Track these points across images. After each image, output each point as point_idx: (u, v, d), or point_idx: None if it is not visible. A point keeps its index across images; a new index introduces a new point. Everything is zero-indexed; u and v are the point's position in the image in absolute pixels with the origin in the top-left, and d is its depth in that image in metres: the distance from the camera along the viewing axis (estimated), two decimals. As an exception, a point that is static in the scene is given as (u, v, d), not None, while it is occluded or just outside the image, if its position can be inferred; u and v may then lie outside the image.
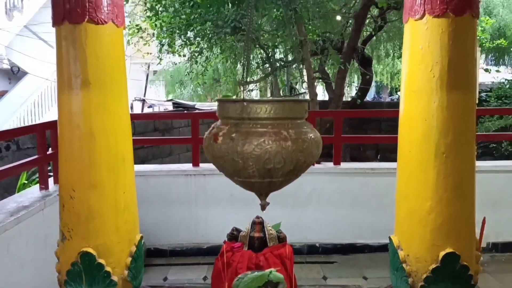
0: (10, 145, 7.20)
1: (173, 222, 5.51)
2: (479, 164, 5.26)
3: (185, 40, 8.29)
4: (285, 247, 2.64)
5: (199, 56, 8.64)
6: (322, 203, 5.48)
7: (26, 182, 6.12)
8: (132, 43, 9.14)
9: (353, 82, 16.35)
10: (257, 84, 15.01)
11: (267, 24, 9.69)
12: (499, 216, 5.29)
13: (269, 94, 17.18)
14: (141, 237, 2.68)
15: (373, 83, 17.49)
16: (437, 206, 2.40)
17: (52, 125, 4.91)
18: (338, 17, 10.03)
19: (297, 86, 15.96)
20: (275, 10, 8.21)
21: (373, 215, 5.34)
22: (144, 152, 9.17)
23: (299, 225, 5.46)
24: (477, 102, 4.63)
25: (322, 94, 17.04)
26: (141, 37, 8.88)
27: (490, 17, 12.42)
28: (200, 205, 5.52)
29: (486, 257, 5.43)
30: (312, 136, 1.62)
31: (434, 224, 2.42)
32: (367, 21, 11.03)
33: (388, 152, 11.73)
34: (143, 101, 13.88)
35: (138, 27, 8.71)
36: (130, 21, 9.33)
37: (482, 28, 11.59)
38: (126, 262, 2.52)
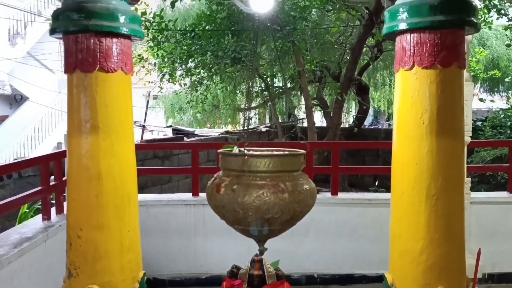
0: (11, 173, 7.28)
1: (173, 252, 5.55)
2: (473, 195, 5.37)
3: (185, 70, 8.49)
4: (283, 285, 2.72)
5: (199, 86, 8.83)
6: (320, 234, 5.52)
7: (27, 210, 6.19)
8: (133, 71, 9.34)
9: (351, 110, 16.55)
10: (256, 110, 15.25)
11: (265, 53, 9.92)
12: (494, 247, 5.35)
13: (267, 121, 17.39)
14: (144, 274, 2.78)
15: (371, 109, 17.72)
16: (429, 247, 2.50)
17: (55, 156, 5.04)
18: (336, 47, 10.28)
19: (295, 112, 16.20)
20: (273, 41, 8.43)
21: (371, 245, 5.39)
22: (144, 179, 9.24)
23: (297, 256, 5.50)
24: (471, 134, 4.77)
25: (320, 120, 17.24)
26: (143, 66, 9.08)
27: (484, 48, 12.75)
28: (199, 235, 5.57)
29: (482, 288, 5.48)
30: (308, 188, 1.74)
31: (426, 264, 2.52)
32: (364, 49, 11.28)
33: (386, 179, 11.77)
34: (143, 127, 14.00)
35: (140, 56, 8.91)
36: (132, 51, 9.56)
37: (477, 59, 11.87)
38: (129, 299, 2.62)
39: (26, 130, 15.56)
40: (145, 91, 16.04)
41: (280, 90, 11.94)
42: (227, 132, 13.44)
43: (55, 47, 15.20)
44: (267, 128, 14.70)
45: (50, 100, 16.01)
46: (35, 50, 15.74)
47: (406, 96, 2.50)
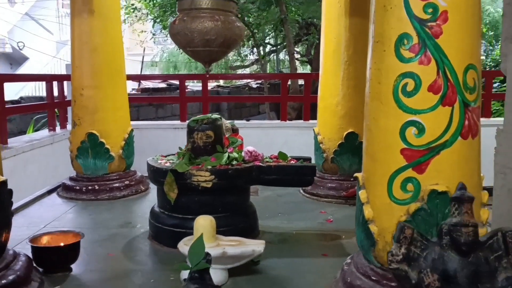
0: (18, 109, 8.02)
1: (163, 168, 6.33)
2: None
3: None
4: (237, 135, 3.52)
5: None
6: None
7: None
8: (127, 22, 10.01)
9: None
10: (248, 68, 15.94)
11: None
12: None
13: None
14: (132, 129, 3.62)
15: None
16: (342, 100, 3.38)
17: (58, 77, 5.80)
18: None
19: (285, 71, 16.85)
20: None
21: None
22: (134, 114, 10.00)
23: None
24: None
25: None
26: (136, 16, 9.74)
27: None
28: (187, 155, 6.33)
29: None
30: (237, 23, 2.53)
31: (340, 113, 3.42)
32: None
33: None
34: (139, 83, 14.68)
35: (134, 6, 9.56)
36: (126, 1, 10.20)
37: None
38: (121, 144, 3.47)
39: (27, 88, 16.13)
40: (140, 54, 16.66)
41: (271, 46, 12.58)
42: (218, 86, 14.12)
43: (53, 10, 15.78)
44: (258, 85, 15.35)
45: (49, 59, 16.62)
46: (34, 10, 16.26)
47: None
